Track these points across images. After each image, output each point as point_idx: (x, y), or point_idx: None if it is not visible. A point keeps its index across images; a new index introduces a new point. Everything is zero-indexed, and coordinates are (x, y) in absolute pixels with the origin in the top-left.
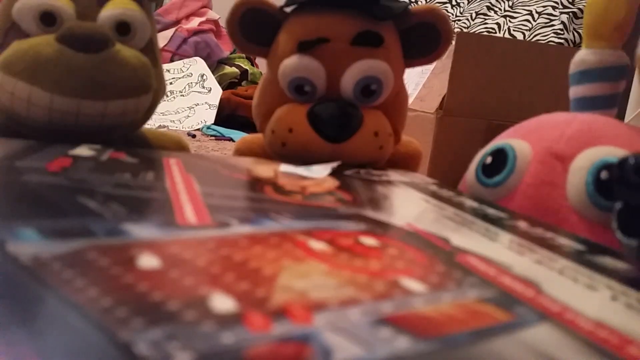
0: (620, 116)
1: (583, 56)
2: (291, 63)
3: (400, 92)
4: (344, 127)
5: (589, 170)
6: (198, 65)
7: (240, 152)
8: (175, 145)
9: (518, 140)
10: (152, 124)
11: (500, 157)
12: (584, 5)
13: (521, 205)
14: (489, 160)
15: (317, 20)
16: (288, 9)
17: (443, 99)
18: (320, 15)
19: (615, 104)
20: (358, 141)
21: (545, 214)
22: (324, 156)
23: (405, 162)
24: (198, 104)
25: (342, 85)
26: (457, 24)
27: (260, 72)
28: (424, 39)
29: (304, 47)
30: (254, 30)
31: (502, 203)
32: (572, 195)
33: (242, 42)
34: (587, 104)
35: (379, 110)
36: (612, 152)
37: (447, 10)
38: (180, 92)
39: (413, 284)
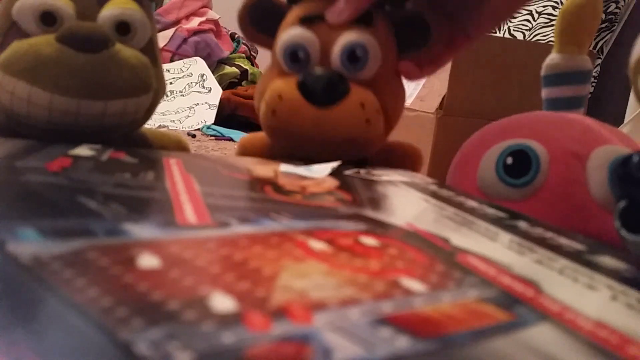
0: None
1: (558, 60)
2: (289, 31)
3: (393, 78)
4: (330, 90)
5: (609, 168)
6: (198, 65)
7: (243, 147)
8: (175, 145)
9: (530, 141)
10: (152, 124)
11: (522, 157)
12: None
13: (549, 203)
14: (509, 160)
15: (317, 3)
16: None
17: (443, 99)
18: (319, 1)
19: (585, 104)
20: (344, 109)
21: (573, 211)
22: (310, 123)
23: (404, 162)
24: (198, 104)
25: (332, 56)
26: None
27: (260, 72)
28: (416, 33)
29: (303, 21)
30: (262, 22)
31: (529, 201)
32: (597, 193)
33: (251, 31)
34: (563, 104)
35: (368, 89)
36: (620, 151)
37: None
38: (180, 92)
39: (413, 284)
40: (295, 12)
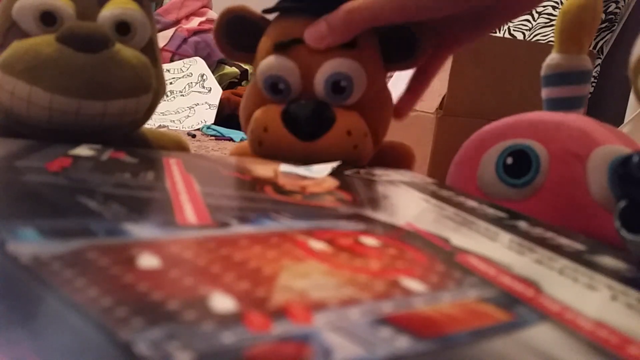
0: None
1: (558, 60)
2: (266, 62)
3: (379, 94)
4: (315, 125)
5: (609, 168)
6: (198, 65)
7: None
8: (175, 145)
9: (530, 141)
10: (152, 124)
11: (522, 157)
12: None
13: (549, 203)
14: (509, 160)
15: (293, 23)
16: (268, 16)
17: (443, 99)
18: (297, 19)
19: (585, 104)
20: (330, 140)
21: (573, 211)
22: (297, 155)
23: (398, 163)
24: (198, 104)
25: (315, 84)
26: None
27: None
28: (403, 43)
29: (279, 48)
30: (239, 37)
31: (529, 201)
32: (596, 193)
33: (228, 49)
34: (563, 104)
35: (354, 111)
36: (620, 151)
37: None
38: (180, 92)
39: (413, 284)
40: (270, 36)
